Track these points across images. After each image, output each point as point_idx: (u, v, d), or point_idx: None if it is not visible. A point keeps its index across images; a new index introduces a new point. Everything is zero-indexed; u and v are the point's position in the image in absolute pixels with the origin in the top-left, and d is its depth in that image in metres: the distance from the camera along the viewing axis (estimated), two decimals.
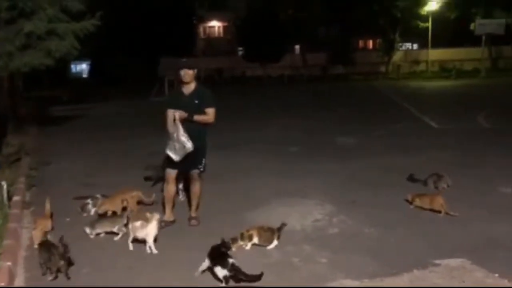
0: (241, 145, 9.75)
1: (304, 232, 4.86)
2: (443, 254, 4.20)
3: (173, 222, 5.17)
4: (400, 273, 3.88)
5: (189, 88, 5.03)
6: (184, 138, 4.79)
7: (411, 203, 5.49)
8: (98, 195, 5.70)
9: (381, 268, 3.99)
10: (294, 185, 6.60)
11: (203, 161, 5.13)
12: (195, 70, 5.03)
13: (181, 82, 5.04)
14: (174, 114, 4.85)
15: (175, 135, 4.84)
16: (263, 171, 7.48)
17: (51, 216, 5.01)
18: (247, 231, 4.46)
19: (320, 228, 5.00)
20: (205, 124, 5.07)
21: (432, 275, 3.86)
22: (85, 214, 5.51)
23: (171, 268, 4.11)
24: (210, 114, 5.02)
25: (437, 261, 4.07)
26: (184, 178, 5.55)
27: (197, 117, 4.93)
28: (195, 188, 5.19)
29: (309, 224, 5.08)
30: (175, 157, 4.86)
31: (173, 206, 5.31)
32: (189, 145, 4.79)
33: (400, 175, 6.84)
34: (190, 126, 4.88)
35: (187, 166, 5.06)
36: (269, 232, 4.49)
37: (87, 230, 4.86)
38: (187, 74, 4.95)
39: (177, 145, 4.82)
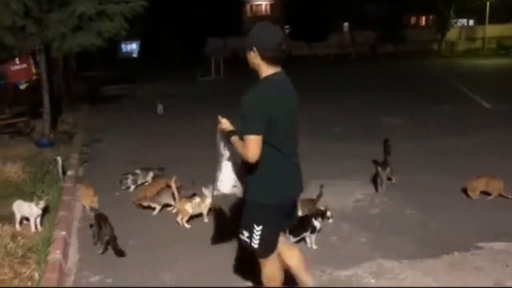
0: None
1: (344, 211, 4.87)
2: (487, 238, 4.10)
3: None
4: (440, 255, 3.83)
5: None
6: (221, 175, 2.97)
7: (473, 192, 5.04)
8: (138, 171, 5.87)
9: (421, 249, 3.96)
10: (336, 165, 6.58)
11: (253, 229, 2.73)
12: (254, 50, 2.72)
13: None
14: (220, 121, 2.89)
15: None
16: (304, 150, 7.42)
17: None
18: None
19: (361, 208, 4.99)
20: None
21: (474, 257, 3.79)
22: (123, 188, 5.73)
23: (214, 244, 4.21)
24: (244, 142, 2.62)
25: (480, 244, 3.98)
26: None
27: (233, 140, 2.77)
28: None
29: (350, 204, 5.08)
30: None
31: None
32: (224, 190, 2.98)
33: (445, 157, 6.69)
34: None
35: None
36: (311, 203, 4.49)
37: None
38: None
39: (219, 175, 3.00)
